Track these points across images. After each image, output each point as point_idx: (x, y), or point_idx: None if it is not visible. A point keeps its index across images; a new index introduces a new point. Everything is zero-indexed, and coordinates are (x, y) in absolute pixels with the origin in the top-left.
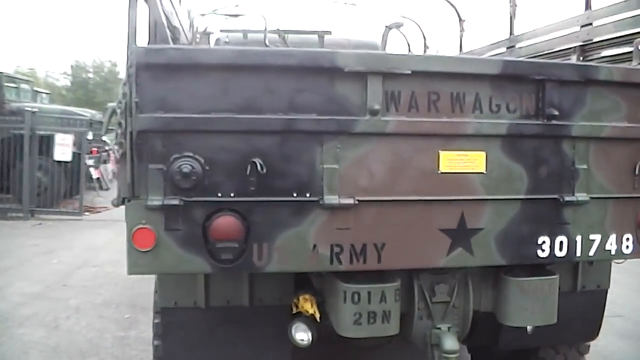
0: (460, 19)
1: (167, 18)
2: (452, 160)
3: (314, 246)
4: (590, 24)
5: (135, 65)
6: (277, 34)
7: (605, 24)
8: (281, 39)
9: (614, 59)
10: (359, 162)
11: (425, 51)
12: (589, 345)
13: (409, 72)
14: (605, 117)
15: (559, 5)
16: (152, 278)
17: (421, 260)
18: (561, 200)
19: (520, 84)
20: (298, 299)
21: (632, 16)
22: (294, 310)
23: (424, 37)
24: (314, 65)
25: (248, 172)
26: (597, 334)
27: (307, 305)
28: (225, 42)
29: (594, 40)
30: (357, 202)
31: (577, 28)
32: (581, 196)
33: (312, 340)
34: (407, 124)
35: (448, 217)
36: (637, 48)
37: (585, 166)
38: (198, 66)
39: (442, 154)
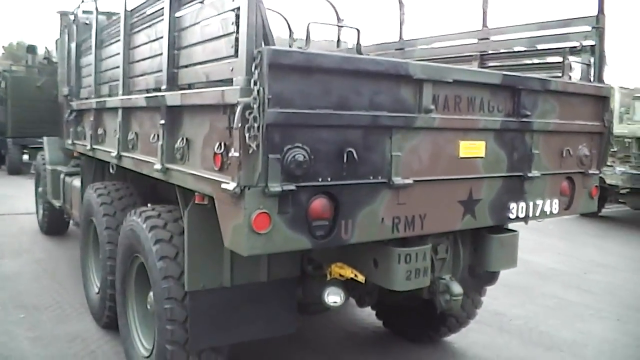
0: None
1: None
2: (466, 148)
3: (382, 219)
4: (488, 38)
5: (267, 65)
6: None
7: (499, 40)
8: None
9: (508, 69)
10: (413, 150)
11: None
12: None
13: (451, 80)
14: (548, 116)
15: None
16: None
17: (447, 225)
18: (524, 176)
19: (506, 91)
20: (330, 268)
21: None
22: (328, 278)
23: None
24: (394, 72)
25: (345, 160)
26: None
27: (345, 272)
28: (86, 23)
29: (490, 52)
30: (413, 182)
31: (475, 40)
32: (535, 173)
33: (343, 302)
34: (444, 120)
35: (463, 191)
36: (568, 64)
37: (538, 152)
38: (311, 68)
39: (461, 143)
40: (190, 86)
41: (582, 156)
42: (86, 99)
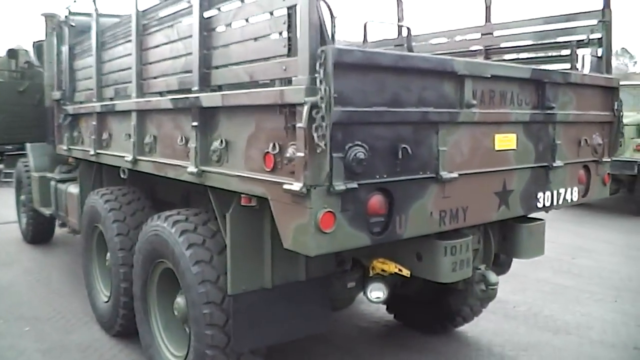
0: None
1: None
2: (501, 141)
3: (431, 213)
4: (491, 33)
5: (332, 64)
6: None
7: (501, 35)
8: None
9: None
10: (455, 145)
11: None
12: None
13: (489, 75)
14: (567, 108)
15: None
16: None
17: (485, 217)
18: (550, 166)
19: (533, 85)
20: (372, 264)
21: (530, 32)
22: (371, 274)
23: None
24: (441, 69)
25: (400, 156)
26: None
27: (388, 267)
28: (72, 25)
29: (494, 46)
30: (457, 175)
31: (478, 35)
32: (559, 163)
33: (385, 297)
34: (482, 115)
35: (498, 183)
36: (576, 56)
37: (560, 142)
38: (369, 66)
39: (497, 136)
40: (220, 87)
41: (595, 145)
42: (82, 102)
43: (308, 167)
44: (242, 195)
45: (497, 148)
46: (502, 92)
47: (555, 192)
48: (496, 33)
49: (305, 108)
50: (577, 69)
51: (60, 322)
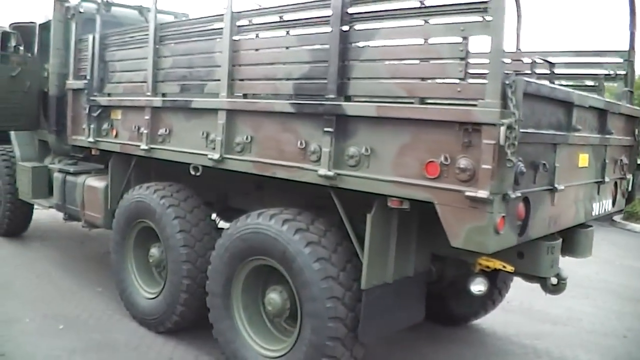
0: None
1: None
2: (582, 160)
3: (546, 219)
4: (521, 60)
5: (522, 92)
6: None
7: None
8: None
9: None
10: (561, 162)
11: None
12: None
13: (587, 105)
14: (615, 133)
15: None
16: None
17: (567, 222)
18: (602, 181)
19: (598, 113)
20: (477, 261)
21: None
22: (476, 270)
23: None
24: (567, 99)
25: (540, 170)
26: None
27: (492, 264)
28: (80, 11)
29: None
30: (564, 187)
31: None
32: (607, 179)
33: (486, 290)
34: (578, 138)
35: (577, 194)
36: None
37: (608, 161)
38: (539, 96)
39: (580, 155)
40: (349, 97)
41: (623, 164)
42: (120, 95)
43: (494, 177)
44: (392, 198)
45: (579, 165)
46: (585, 119)
47: (602, 203)
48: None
49: (502, 129)
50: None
51: (91, 320)
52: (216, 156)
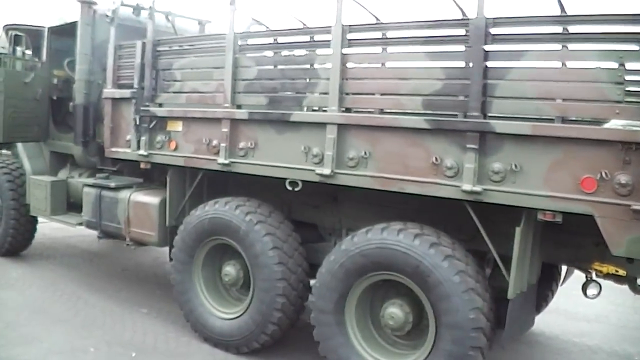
0: None
1: None
2: None
3: None
4: None
5: None
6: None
7: None
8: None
9: None
10: None
11: None
12: None
13: None
14: None
15: None
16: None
17: None
18: None
19: None
20: (592, 267)
21: None
22: (593, 277)
23: None
24: None
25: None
26: None
27: (606, 269)
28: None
29: None
30: None
31: None
32: None
33: (599, 293)
34: None
35: None
36: None
37: None
38: None
39: None
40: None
41: None
42: (182, 105)
43: None
44: (546, 212)
45: None
46: None
47: None
48: None
49: None
50: None
51: (159, 344)
52: (327, 171)
